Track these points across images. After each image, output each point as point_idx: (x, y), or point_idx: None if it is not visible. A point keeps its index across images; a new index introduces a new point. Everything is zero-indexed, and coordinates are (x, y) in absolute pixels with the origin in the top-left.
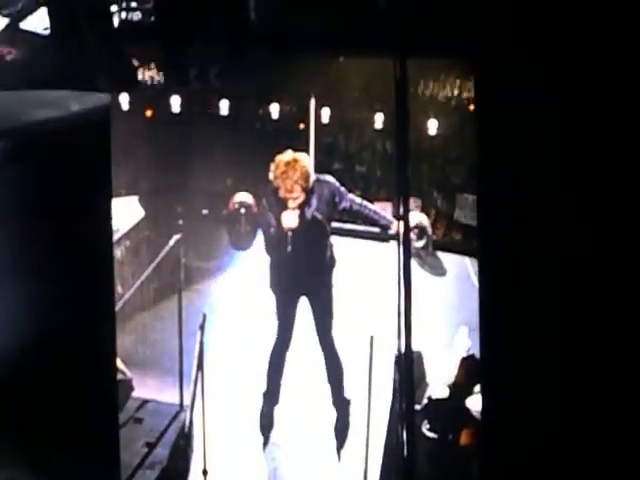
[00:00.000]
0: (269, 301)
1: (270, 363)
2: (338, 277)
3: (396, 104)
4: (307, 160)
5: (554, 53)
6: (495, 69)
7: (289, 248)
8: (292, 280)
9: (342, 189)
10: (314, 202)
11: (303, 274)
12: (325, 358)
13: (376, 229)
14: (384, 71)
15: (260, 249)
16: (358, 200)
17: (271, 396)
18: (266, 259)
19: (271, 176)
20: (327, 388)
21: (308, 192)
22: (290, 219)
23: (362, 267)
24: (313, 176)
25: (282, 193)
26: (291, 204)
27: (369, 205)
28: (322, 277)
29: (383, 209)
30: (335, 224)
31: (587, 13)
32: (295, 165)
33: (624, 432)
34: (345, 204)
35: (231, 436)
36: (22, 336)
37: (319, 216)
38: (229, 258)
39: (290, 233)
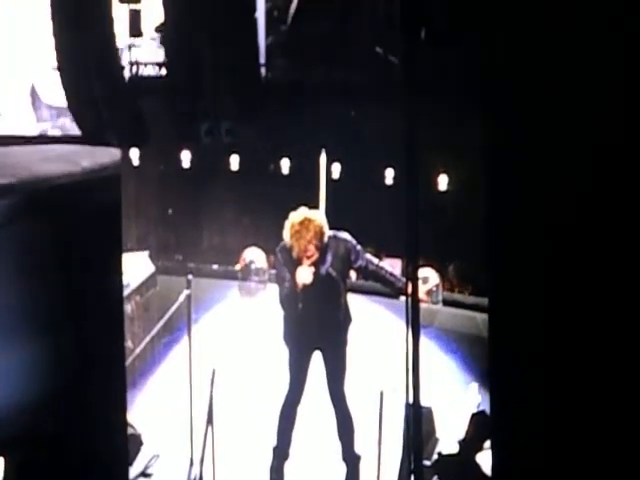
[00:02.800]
0: (281, 355)
1: (281, 417)
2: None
3: (406, 162)
4: (321, 218)
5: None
6: (504, 127)
7: (303, 304)
8: (305, 335)
9: (358, 247)
10: (329, 259)
11: (317, 330)
12: (336, 414)
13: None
14: (395, 126)
15: (273, 304)
16: (375, 260)
17: (281, 451)
18: (279, 313)
19: (285, 235)
20: (337, 444)
21: (323, 249)
22: (304, 275)
23: (372, 321)
24: (328, 233)
25: (296, 253)
26: (305, 262)
27: (386, 266)
28: (336, 333)
29: (393, 266)
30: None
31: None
32: (309, 225)
33: None
34: (361, 262)
35: None
36: (32, 393)
37: (333, 273)
38: (239, 313)
39: (304, 289)
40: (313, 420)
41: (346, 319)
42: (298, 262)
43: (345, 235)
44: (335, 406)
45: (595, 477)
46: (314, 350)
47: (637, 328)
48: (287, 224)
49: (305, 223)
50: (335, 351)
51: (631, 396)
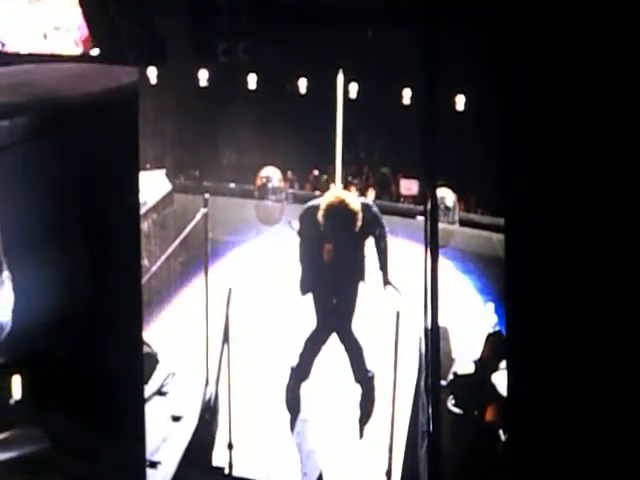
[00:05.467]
0: (297, 275)
1: (306, 344)
2: (368, 276)
3: (422, 78)
4: (356, 203)
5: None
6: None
7: (325, 267)
8: (323, 287)
9: (382, 221)
10: (356, 229)
11: (333, 284)
12: (346, 348)
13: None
14: (413, 45)
15: (289, 224)
16: (386, 239)
17: (300, 371)
18: (297, 265)
19: (319, 216)
20: (349, 369)
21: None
22: (330, 251)
23: (389, 242)
24: (359, 218)
25: (327, 234)
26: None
27: (388, 253)
28: (351, 280)
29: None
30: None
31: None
32: (344, 212)
33: None
34: (379, 232)
35: (257, 410)
36: (49, 310)
37: (357, 242)
38: (256, 232)
39: (327, 254)
40: (331, 342)
41: (362, 266)
42: (327, 240)
43: (370, 202)
44: (345, 344)
45: (609, 396)
46: (333, 297)
47: None
48: (322, 205)
49: (341, 208)
50: (348, 293)
51: None
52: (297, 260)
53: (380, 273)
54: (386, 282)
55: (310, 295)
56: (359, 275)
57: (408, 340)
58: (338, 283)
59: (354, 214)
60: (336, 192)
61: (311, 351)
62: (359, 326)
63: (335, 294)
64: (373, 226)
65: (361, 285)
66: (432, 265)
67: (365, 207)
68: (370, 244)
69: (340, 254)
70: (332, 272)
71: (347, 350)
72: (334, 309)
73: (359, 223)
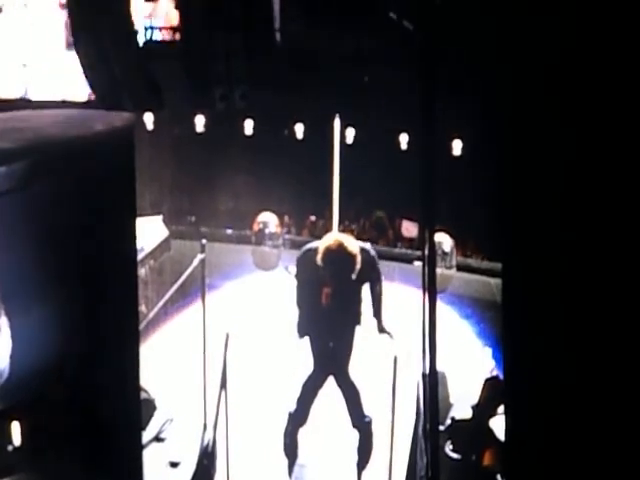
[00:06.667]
0: (294, 319)
1: (303, 389)
2: (364, 320)
3: (421, 123)
4: (354, 246)
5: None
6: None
7: (322, 311)
8: (320, 332)
9: (377, 265)
10: (354, 274)
11: (330, 328)
12: (342, 392)
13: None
14: (410, 90)
15: (286, 269)
16: (381, 285)
17: (298, 416)
18: (294, 308)
19: (318, 259)
20: (347, 414)
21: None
22: (328, 294)
23: (386, 287)
24: (358, 262)
25: (326, 277)
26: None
27: (383, 299)
28: (348, 324)
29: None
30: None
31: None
32: (343, 255)
33: None
34: (373, 277)
35: (255, 455)
36: (46, 357)
37: (355, 286)
38: (253, 278)
39: (325, 298)
40: (329, 387)
41: (359, 309)
42: (325, 283)
43: (368, 247)
44: (341, 387)
45: (608, 444)
46: (330, 341)
47: None
48: (320, 248)
49: (340, 251)
50: (345, 337)
51: None
52: (294, 303)
53: (375, 320)
54: (381, 330)
55: (307, 338)
56: (356, 319)
57: (406, 385)
58: (335, 327)
59: (353, 258)
60: (335, 235)
61: (308, 395)
62: (356, 370)
63: (332, 338)
64: (370, 271)
65: (358, 329)
66: (430, 310)
67: (363, 251)
68: (366, 289)
69: (338, 298)
70: (329, 315)
71: (344, 394)
72: (331, 353)
73: (357, 267)
